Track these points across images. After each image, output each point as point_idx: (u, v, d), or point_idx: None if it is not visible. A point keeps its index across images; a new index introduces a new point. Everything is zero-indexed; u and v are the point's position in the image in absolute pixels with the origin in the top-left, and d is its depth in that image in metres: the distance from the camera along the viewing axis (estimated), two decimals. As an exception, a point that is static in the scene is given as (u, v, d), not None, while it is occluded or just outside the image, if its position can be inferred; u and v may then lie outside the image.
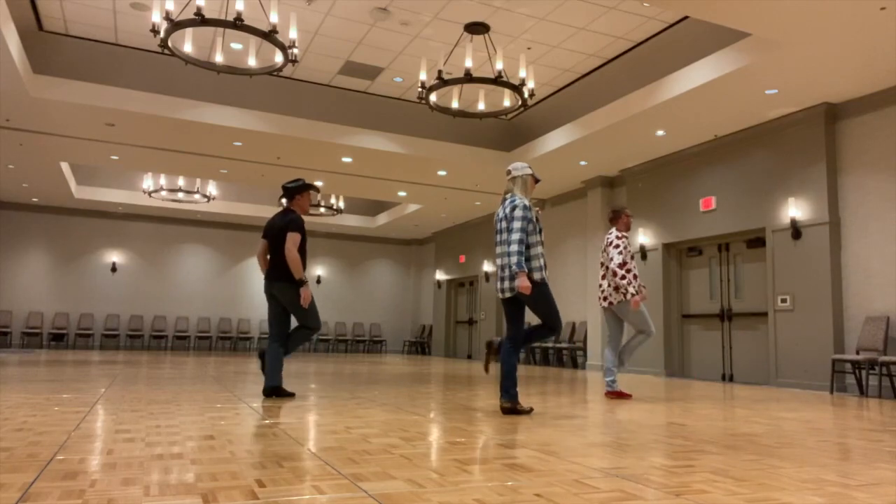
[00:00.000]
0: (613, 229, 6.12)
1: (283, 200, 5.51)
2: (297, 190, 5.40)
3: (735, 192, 9.13)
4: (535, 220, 4.50)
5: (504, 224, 4.53)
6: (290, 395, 5.32)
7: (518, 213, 4.42)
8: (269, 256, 5.33)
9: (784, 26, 6.11)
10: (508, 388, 4.47)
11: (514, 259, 4.33)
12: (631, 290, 5.85)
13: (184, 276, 17.11)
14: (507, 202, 4.58)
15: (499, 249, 4.58)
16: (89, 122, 9.52)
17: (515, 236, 4.37)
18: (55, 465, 2.49)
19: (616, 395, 5.98)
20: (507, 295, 4.50)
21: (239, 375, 7.68)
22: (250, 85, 9.74)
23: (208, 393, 5.43)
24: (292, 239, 5.11)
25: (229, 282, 17.57)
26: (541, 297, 4.45)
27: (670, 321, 10.18)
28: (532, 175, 4.71)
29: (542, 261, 4.48)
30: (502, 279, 4.51)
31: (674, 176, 10.25)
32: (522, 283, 4.31)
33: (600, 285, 6.10)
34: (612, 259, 5.91)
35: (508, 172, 4.74)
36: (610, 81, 9.17)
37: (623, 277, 5.86)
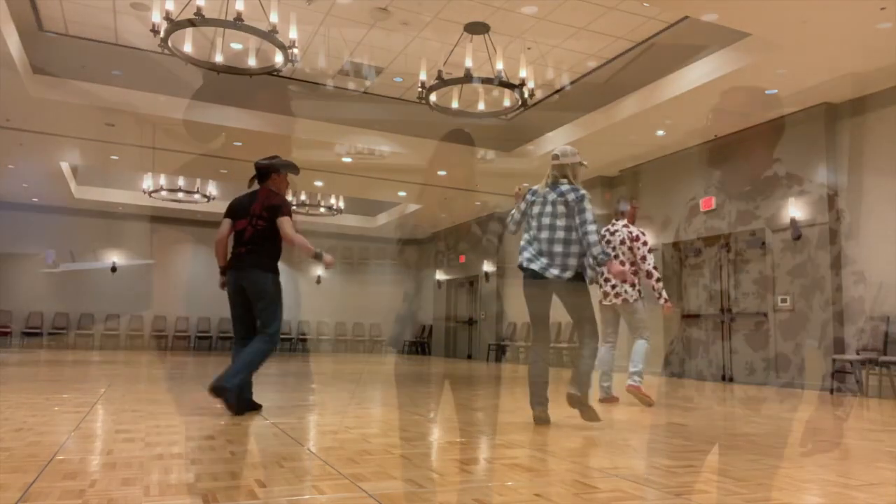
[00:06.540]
0: (628, 223, 5.67)
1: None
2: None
3: (735, 193, 9.13)
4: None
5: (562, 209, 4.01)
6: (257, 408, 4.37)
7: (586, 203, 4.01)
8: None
9: (784, 26, 6.10)
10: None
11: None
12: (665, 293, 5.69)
13: (184, 276, 17.09)
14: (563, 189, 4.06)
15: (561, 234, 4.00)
16: (89, 122, 9.51)
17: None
18: (55, 465, 2.49)
19: (612, 399, 5.62)
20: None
21: (239, 375, 7.66)
22: (250, 85, 9.73)
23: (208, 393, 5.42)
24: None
25: (229, 282, 17.53)
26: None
27: (670, 321, 10.16)
28: (580, 162, 4.24)
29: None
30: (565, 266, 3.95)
31: (674, 176, 10.24)
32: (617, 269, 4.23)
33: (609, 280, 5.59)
34: (644, 259, 5.63)
35: (556, 157, 4.20)
36: (610, 81, 9.16)
37: (658, 280, 5.67)
